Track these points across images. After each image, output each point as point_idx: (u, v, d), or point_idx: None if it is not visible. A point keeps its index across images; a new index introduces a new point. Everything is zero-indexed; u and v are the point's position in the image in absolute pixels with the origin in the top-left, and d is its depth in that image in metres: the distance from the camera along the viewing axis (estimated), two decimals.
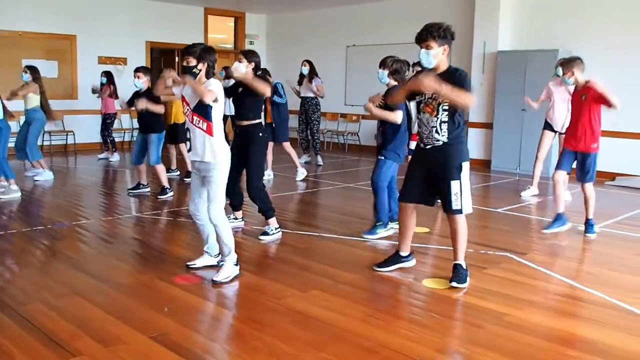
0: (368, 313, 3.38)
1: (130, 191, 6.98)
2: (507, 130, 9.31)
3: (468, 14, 9.90)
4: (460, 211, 3.77)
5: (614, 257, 4.82)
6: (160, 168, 6.76)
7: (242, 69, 4.66)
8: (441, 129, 3.75)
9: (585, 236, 5.21)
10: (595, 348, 2.99)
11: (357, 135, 11.86)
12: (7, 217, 5.73)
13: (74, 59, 11.05)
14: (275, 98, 7.94)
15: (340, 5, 11.95)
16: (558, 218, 5.35)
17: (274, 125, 8.16)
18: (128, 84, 10.77)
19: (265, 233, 4.95)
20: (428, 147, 3.82)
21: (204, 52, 3.82)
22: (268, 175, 8.19)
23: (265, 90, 4.67)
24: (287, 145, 8.26)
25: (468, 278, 3.86)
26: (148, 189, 6.97)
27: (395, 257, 4.20)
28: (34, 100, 7.65)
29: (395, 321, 3.29)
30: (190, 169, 7.77)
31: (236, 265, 3.96)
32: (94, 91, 9.91)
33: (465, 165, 3.77)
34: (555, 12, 9.02)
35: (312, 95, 9.41)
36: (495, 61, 9.41)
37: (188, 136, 7.02)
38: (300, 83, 9.35)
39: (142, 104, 6.03)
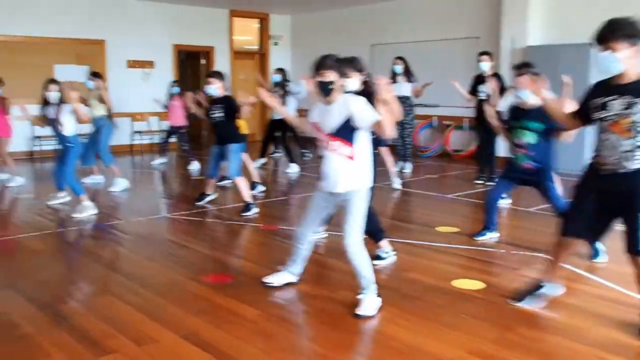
0: (396, 314, 3.36)
1: (197, 202, 6.36)
2: None
3: (494, 8, 9.77)
4: None
5: None
6: (242, 181, 5.99)
7: (355, 85, 3.89)
8: (634, 154, 2.97)
9: None
10: (634, 353, 2.93)
11: None
12: (41, 218, 5.85)
13: (104, 63, 11.24)
14: None
15: (363, 4, 11.91)
16: None
17: None
18: (157, 86, 11.07)
19: (379, 257, 4.37)
20: (610, 173, 3.06)
21: (346, 65, 3.45)
22: (397, 184, 7.38)
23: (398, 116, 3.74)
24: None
25: None
26: (215, 195, 6.48)
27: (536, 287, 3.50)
28: (101, 108, 7.50)
29: (424, 322, 3.26)
30: (257, 179, 7.09)
31: (378, 296, 3.46)
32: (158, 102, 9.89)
33: None
34: (587, 3, 8.79)
35: (407, 94, 8.45)
36: (525, 57, 9.25)
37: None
38: (394, 82, 8.27)
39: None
